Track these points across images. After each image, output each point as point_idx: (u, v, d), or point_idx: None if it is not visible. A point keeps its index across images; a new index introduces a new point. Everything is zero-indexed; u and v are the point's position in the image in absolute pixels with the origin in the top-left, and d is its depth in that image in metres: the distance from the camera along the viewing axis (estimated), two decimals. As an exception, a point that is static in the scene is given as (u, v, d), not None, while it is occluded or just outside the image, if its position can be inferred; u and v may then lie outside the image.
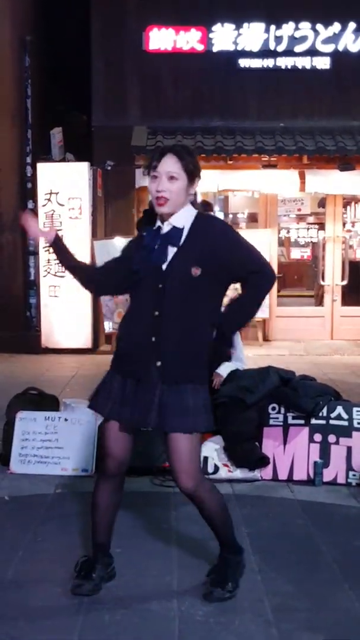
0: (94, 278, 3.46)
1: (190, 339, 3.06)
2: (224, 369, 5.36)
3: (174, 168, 3.04)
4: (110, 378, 3.20)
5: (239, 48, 11.39)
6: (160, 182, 3.05)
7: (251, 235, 11.44)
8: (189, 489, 3.14)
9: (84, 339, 10.46)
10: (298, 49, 11.40)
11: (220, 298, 3.19)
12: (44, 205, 10.39)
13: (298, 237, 15.71)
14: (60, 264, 3.45)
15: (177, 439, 3.09)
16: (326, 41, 11.42)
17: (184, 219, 3.10)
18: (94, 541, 3.34)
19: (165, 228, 3.12)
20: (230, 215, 13.57)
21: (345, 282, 11.74)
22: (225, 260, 3.05)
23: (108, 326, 10.37)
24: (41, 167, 10.55)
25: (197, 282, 3.03)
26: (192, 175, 3.09)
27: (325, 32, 11.39)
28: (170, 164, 3.05)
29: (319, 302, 12.27)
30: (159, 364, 3.05)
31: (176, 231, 3.09)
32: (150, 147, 10.56)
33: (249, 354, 6.74)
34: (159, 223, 3.15)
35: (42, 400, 5.47)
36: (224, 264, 3.05)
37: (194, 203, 3.18)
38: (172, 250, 3.08)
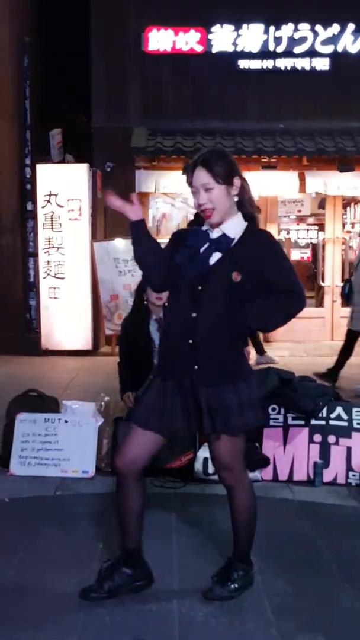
0: (168, 273, 3.23)
1: (225, 342, 3.10)
2: None
3: (206, 179, 3.07)
4: (152, 385, 3.24)
5: (239, 49, 11.41)
6: (199, 196, 3.10)
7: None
8: (227, 485, 3.26)
9: (84, 341, 10.46)
10: (297, 50, 11.42)
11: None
12: (43, 207, 10.40)
13: (298, 238, 15.68)
14: (139, 245, 3.19)
15: (225, 439, 3.15)
16: (325, 42, 11.44)
17: (235, 229, 3.14)
18: (122, 546, 3.35)
19: (216, 234, 3.15)
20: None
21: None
22: (266, 272, 3.09)
23: (108, 328, 10.39)
24: (40, 168, 10.55)
25: (236, 287, 3.06)
26: (228, 178, 3.10)
27: (324, 33, 11.41)
28: (201, 177, 3.08)
29: (319, 303, 12.27)
30: (196, 367, 3.08)
31: (226, 239, 3.12)
32: (151, 149, 10.58)
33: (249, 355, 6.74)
34: (207, 226, 3.18)
35: (42, 402, 5.47)
36: (263, 276, 3.09)
37: (243, 204, 3.17)
38: (217, 255, 3.11)
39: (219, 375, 3.10)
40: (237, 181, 3.13)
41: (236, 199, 3.15)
